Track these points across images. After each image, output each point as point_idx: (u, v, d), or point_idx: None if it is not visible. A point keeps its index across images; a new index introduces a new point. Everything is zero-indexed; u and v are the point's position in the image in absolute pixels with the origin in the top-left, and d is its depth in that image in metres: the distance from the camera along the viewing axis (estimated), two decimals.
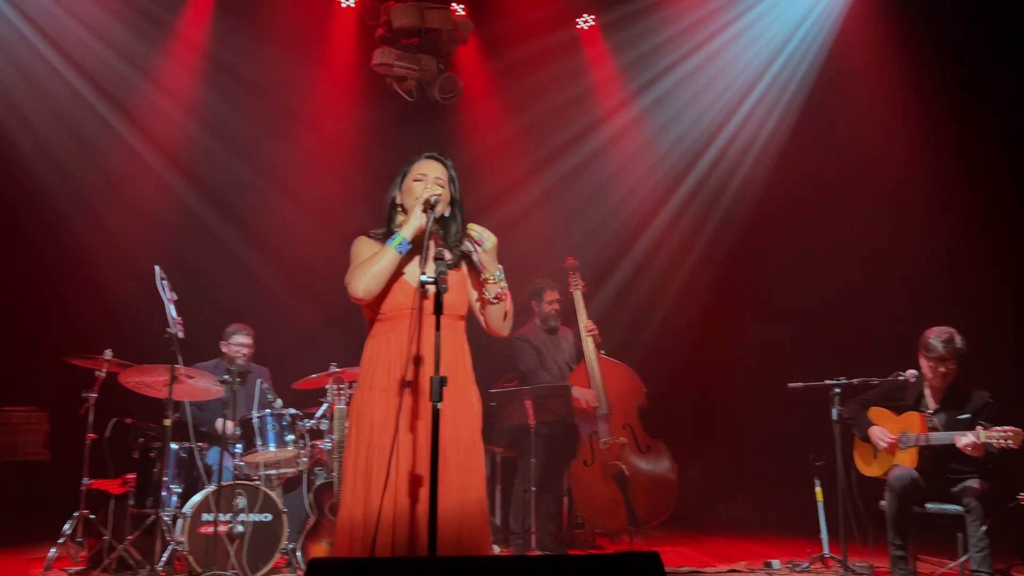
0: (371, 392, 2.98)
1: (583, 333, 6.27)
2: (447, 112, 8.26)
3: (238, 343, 6.01)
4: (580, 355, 6.33)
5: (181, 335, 5.01)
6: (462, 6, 8.23)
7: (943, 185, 7.11)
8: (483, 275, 3.05)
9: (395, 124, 7.93)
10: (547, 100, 8.29)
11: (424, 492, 2.75)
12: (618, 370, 6.29)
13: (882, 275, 7.47)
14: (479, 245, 3.00)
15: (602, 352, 6.28)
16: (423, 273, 2.85)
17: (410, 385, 2.88)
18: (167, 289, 5.05)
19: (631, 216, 8.45)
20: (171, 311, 5.02)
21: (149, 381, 5.27)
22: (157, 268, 5.04)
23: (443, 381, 2.61)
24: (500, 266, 3.08)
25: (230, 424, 5.35)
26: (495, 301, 3.05)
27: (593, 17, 8.58)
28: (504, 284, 3.07)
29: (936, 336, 4.83)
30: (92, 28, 7.27)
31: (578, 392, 6.09)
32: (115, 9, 7.30)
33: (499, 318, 3.12)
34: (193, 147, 7.68)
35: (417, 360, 2.90)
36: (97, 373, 5.35)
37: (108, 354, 5.30)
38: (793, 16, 8.03)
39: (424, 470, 2.75)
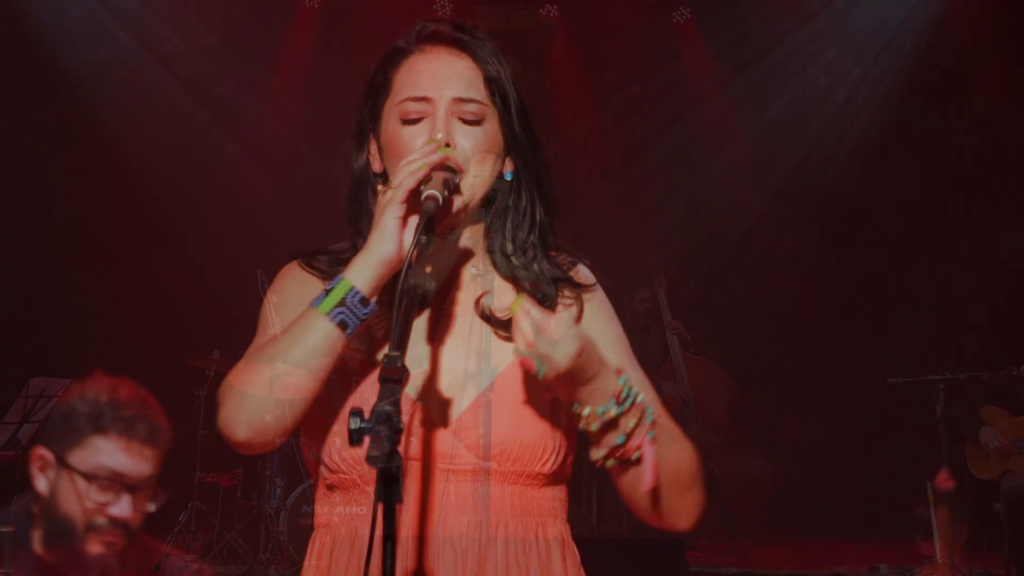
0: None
1: (667, 331, 6.19)
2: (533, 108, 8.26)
3: (355, 348, 6.17)
4: (665, 353, 6.24)
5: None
6: (555, 7, 8.26)
7: None
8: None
9: None
10: (635, 92, 8.19)
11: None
12: (706, 369, 6.17)
13: (986, 265, 6.96)
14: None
15: (689, 350, 6.18)
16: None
17: None
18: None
19: (720, 207, 8.21)
20: None
21: None
22: (259, 272, 5.30)
23: None
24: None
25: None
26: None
27: (689, 10, 8.43)
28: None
29: None
30: (203, 49, 7.70)
31: (665, 387, 6.01)
32: (223, 31, 7.71)
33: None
34: (292, 157, 7.99)
35: None
36: (207, 372, 5.68)
37: (216, 354, 5.62)
38: None
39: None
